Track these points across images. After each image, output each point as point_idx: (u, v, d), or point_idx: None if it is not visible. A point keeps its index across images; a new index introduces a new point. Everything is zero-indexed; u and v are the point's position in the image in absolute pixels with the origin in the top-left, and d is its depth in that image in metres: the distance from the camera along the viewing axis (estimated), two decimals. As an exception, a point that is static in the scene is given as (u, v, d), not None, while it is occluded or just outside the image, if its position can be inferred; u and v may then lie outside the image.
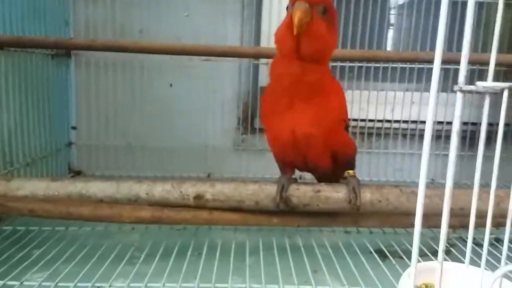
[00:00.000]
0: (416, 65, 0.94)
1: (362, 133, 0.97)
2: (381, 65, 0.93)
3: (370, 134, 0.98)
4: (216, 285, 0.48)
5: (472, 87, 0.27)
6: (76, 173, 0.97)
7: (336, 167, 0.54)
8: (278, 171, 0.98)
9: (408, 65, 0.94)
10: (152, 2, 0.93)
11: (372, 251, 0.61)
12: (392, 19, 0.99)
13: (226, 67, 0.97)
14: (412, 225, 0.63)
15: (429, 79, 0.94)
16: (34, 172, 0.78)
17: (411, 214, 0.58)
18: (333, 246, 0.61)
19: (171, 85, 0.99)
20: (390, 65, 0.93)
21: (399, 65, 0.93)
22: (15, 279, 0.48)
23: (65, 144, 0.94)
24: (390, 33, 0.99)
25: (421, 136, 0.98)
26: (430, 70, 0.95)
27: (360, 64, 0.93)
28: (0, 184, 0.53)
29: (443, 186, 0.84)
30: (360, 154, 0.98)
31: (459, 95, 0.27)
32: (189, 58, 0.93)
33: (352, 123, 0.96)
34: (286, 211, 0.55)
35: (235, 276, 0.51)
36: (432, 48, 0.91)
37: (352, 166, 0.57)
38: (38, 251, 0.57)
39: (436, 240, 0.64)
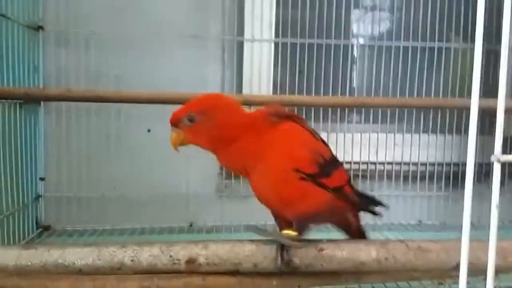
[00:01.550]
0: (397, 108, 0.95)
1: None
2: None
3: (355, 176, 0.96)
4: None
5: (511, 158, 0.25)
6: (44, 229, 0.89)
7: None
8: (264, 217, 0.95)
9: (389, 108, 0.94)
10: (129, 47, 0.89)
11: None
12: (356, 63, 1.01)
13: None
14: (414, 278, 0.60)
15: (410, 120, 0.95)
16: (-1, 231, 0.70)
17: (417, 271, 0.56)
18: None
19: (149, 130, 0.94)
20: (373, 107, 0.94)
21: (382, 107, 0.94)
22: None
23: (32, 198, 0.86)
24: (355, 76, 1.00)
25: (406, 178, 0.98)
26: (411, 111, 0.96)
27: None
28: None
29: (430, 228, 0.82)
30: (346, 197, 0.96)
31: (496, 166, 0.25)
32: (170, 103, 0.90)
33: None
34: (286, 272, 0.51)
35: None
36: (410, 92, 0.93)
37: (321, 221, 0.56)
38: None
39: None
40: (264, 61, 0.90)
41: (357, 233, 0.58)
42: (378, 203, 0.58)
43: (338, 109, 0.93)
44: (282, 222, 0.54)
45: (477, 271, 0.42)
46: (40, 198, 0.89)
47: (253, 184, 0.51)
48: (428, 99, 0.89)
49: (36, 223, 0.89)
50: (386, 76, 0.94)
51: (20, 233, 0.80)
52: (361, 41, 0.99)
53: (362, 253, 0.49)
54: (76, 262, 0.47)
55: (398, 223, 0.96)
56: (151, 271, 0.49)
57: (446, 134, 0.97)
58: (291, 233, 0.49)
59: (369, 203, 0.58)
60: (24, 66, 0.78)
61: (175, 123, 0.50)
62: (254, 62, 0.91)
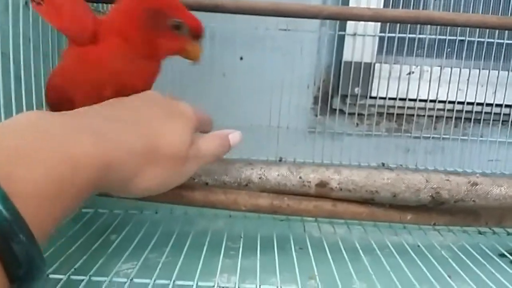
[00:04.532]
0: (526, 41, 0.81)
1: (458, 118, 0.86)
2: (486, 39, 0.81)
3: (467, 120, 0.86)
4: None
5: None
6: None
7: None
8: (359, 158, 0.89)
9: (517, 40, 0.81)
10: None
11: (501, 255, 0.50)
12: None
13: (304, 38, 0.86)
14: None
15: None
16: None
17: None
18: (458, 247, 0.50)
19: (241, 58, 0.89)
20: (496, 40, 0.81)
21: (506, 40, 0.81)
22: (100, 274, 0.40)
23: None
24: None
25: (525, 122, 0.87)
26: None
27: (461, 38, 0.81)
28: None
29: None
30: (453, 142, 0.87)
31: None
32: (265, 28, 0.83)
33: (447, 106, 0.85)
34: (425, 206, 0.45)
35: (359, 279, 0.42)
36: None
37: None
38: (118, 236, 0.49)
39: None
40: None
41: None
42: None
43: (457, 40, 0.81)
44: None
45: None
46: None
47: None
48: None
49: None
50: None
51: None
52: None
53: (525, 190, 0.42)
54: (202, 176, 0.44)
55: (509, 173, 0.86)
56: (278, 191, 0.45)
57: None
58: None
59: None
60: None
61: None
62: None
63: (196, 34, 0.40)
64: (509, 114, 0.85)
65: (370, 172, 0.45)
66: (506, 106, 0.84)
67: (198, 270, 0.40)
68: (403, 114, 0.87)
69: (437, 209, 0.47)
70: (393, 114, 0.86)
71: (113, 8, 0.37)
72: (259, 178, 0.44)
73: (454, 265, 0.44)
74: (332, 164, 0.48)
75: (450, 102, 0.84)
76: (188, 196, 0.41)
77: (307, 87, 0.89)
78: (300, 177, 0.45)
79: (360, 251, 0.47)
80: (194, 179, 0.44)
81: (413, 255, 0.46)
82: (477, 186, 0.43)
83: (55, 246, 0.44)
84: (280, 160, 0.91)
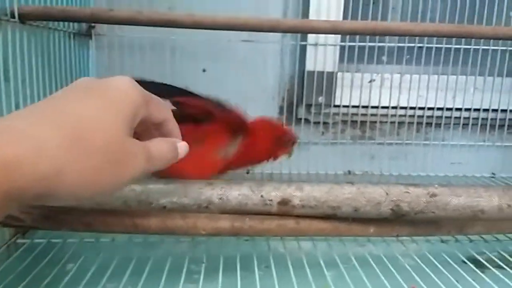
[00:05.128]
0: (481, 46, 0.84)
1: (419, 123, 0.88)
2: (443, 45, 0.83)
3: (428, 124, 0.88)
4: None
5: None
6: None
7: None
8: (326, 166, 0.89)
9: (472, 46, 0.84)
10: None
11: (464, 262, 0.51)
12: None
13: (267, 49, 0.86)
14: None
15: (494, 62, 0.85)
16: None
17: None
18: (420, 256, 0.51)
19: (204, 70, 0.88)
20: (453, 46, 0.83)
21: (463, 46, 0.84)
22: None
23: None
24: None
25: (483, 126, 0.89)
26: (495, 52, 0.85)
27: (420, 45, 0.83)
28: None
29: (505, 182, 0.74)
30: (416, 146, 0.89)
31: None
32: (227, 40, 0.83)
33: (409, 112, 0.87)
34: (387, 218, 0.45)
35: None
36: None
37: None
38: (74, 266, 0.46)
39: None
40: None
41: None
42: None
43: (415, 47, 0.83)
44: None
45: None
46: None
47: None
48: None
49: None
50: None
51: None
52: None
53: (482, 200, 0.43)
54: (159, 199, 0.43)
55: (471, 175, 0.89)
56: (239, 211, 0.44)
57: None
58: None
59: None
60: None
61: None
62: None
63: (294, 144, 0.62)
64: (469, 118, 0.88)
65: (331, 187, 0.45)
66: (466, 109, 0.87)
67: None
68: (366, 122, 0.88)
69: (399, 221, 0.47)
70: (357, 121, 0.87)
71: (255, 126, 0.58)
72: (219, 198, 0.43)
73: (414, 275, 0.45)
74: (293, 181, 0.47)
75: (411, 108, 0.86)
76: (143, 225, 0.40)
77: (272, 98, 0.89)
78: (262, 196, 0.44)
79: (324, 266, 0.46)
80: (151, 204, 0.42)
81: (375, 267, 0.46)
82: (436, 197, 0.43)
83: (6, 282, 0.42)
84: (248, 173, 0.90)
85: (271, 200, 0.44)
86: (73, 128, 0.24)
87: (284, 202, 0.44)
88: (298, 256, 0.49)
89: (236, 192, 0.44)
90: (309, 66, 0.85)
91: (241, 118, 0.55)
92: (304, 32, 0.65)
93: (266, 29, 0.60)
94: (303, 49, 0.85)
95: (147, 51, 0.83)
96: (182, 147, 0.33)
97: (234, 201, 0.43)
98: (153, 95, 0.31)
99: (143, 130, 0.32)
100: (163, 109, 0.32)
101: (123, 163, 0.26)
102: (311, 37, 0.84)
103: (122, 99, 0.27)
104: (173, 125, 0.33)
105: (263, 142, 0.57)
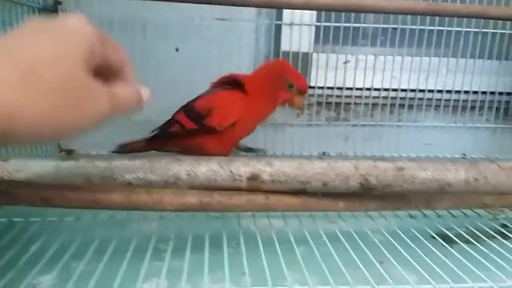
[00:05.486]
0: (454, 28, 0.84)
1: (392, 105, 0.88)
2: (417, 27, 0.84)
3: (401, 106, 0.89)
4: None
5: None
6: (67, 152, 0.83)
7: None
8: (301, 147, 0.89)
9: (445, 28, 0.84)
10: None
11: (439, 236, 0.52)
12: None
13: (242, 28, 0.84)
14: (486, 206, 0.55)
15: (467, 44, 0.86)
16: (19, 153, 0.64)
17: (509, 194, 0.50)
18: (389, 232, 0.51)
19: (177, 49, 0.85)
20: (427, 27, 0.84)
21: (436, 27, 0.84)
22: (16, 283, 0.36)
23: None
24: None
25: (455, 108, 0.91)
26: (468, 33, 0.86)
27: (394, 26, 0.83)
28: (-8, 165, 0.40)
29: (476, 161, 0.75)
30: (389, 128, 0.89)
31: None
32: (200, 17, 0.81)
33: (383, 93, 0.87)
34: (355, 193, 0.45)
35: (290, 271, 0.41)
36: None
37: None
38: (35, 246, 0.44)
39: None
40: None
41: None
42: None
43: (389, 28, 0.83)
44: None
45: None
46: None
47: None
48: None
49: (59, 146, 0.83)
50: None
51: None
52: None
53: (449, 173, 0.43)
54: (125, 175, 0.41)
55: (443, 156, 0.90)
56: (208, 187, 0.43)
57: (503, 60, 0.88)
58: None
59: None
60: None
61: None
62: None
63: (301, 91, 0.59)
64: (441, 99, 0.89)
65: (301, 162, 0.44)
66: (438, 91, 0.88)
67: (120, 276, 0.37)
68: (341, 103, 0.88)
69: (367, 196, 0.47)
70: (331, 103, 0.87)
71: (256, 71, 0.63)
72: (188, 174, 0.42)
73: (384, 250, 0.45)
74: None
75: (385, 89, 0.86)
76: (106, 200, 0.38)
77: (247, 78, 0.88)
78: (231, 171, 0.43)
79: (294, 243, 0.46)
80: (115, 180, 0.41)
81: (345, 243, 0.47)
82: (403, 171, 0.43)
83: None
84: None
85: (240, 175, 0.43)
86: (28, 65, 0.23)
87: (253, 177, 0.43)
88: (268, 234, 0.49)
89: (204, 168, 0.43)
90: (284, 46, 0.84)
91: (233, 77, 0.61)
92: (276, 7, 0.63)
93: (238, 3, 0.59)
94: (278, 28, 0.84)
95: (117, 28, 0.80)
96: (146, 92, 0.33)
97: (203, 176, 0.42)
98: (109, 37, 0.30)
99: (104, 78, 0.30)
100: (120, 52, 0.31)
101: (84, 101, 0.26)
102: (286, 17, 0.83)
103: (76, 35, 0.26)
104: (131, 72, 0.32)
105: (263, 87, 0.57)
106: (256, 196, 0.44)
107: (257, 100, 0.57)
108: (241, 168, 0.43)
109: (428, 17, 0.83)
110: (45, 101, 0.24)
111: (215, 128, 0.56)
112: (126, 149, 0.63)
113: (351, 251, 0.45)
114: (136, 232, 0.48)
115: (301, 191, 0.45)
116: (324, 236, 0.48)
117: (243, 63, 0.87)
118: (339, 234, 0.49)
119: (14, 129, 0.23)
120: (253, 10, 0.83)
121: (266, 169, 0.43)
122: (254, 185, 0.43)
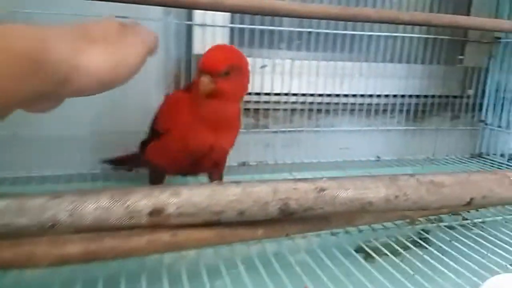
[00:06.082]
0: (366, 32, 0.85)
1: (310, 110, 0.87)
2: (331, 31, 0.83)
3: (319, 111, 0.88)
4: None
5: None
6: None
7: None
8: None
9: (358, 32, 0.85)
10: None
11: (360, 251, 0.51)
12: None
13: (148, 28, 0.75)
14: (406, 217, 0.55)
15: (378, 48, 0.88)
16: None
17: (428, 209, 0.49)
18: (309, 251, 0.48)
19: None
20: (340, 32, 0.83)
21: (349, 32, 0.84)
22: None
23: None
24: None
25: (368, 112, 0.92)
26: (379, 38, 0.88)
27: (309, 30, 0.81)
28: None
29: (389, 164, 0.77)
30: (307, 133, 0.88)
31: None
32: (97, 14, 0.70)
33: (301, 99, 0.85)
34: (272, 219, 0.41)
35: None
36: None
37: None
38: None
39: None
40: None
41: None
42: None
43: (304, 32, 0.81)
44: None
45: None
46: None
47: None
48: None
49: None
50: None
51: None
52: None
53: (370, 191, 0.41)
54: (-17, 222, 0.32)
55: (358, 160, 0.91)
56: (100, 229, 0.35)
57: (412, 63, 0.91)
58: None
59: None
60: None
61: (214, 72, 0.50)
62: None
63: (201, 69, 0.50)
64: (355, 104, 0.89)
65: (213, 189, 0.38)
66: (352, 95, 0.89)
67: None
68: (259, 109, 0.84)
69: (288, 220, 0.43)
70: (250, 109, 0.83)
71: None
72: (70, 215, 0.34)
73: (301, 273, 0.42)
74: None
75: (302, 94, 0.85)
76: None
77: (156, 86, 0.79)
78: (127, 206, 0.36)
79: (206, 278, 0.40)
80: (-31, 230, 0.31)
81: (262, 271, 0.42)
82: (324, 192, 0.40)
83: None
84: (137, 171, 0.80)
85: (139, 211, 0.36)
86: (81, 27, 0.31)
87: (156, 211, 0.36)
88: (177, 269, 0.42)
89: (92, 206, 0.35)
90: (197, 50, 0.77)
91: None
92: (179, 6, 0.56)
93: (138, 0, 0.51)
94: (190, 30, 0.77)
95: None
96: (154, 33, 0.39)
97: (90, 216, 0.34)
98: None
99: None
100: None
101: (127, 49, 0.34)
102: (197, 17, 0.76)
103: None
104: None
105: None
106: (160, 235, 0.37)
107: (198, 99, 0.52)
108: (140, 201, 0.36)
109: (341, 22, 0.83)
110: (102, 48, 0.30)
111: (159, 130, 0.56)
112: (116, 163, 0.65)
113: (266, 278, 0.40)
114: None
115: (214, 222, 0.39)
116: (241, 266, 0.43)
117: (151, 68, 0.79)
118: (256, 260, 0.45)
119: (77, 70, 0.28)
120: (159, 9, 0.75)
121: (171, 201, 0.37)
122: (158, 221, 0.36)
